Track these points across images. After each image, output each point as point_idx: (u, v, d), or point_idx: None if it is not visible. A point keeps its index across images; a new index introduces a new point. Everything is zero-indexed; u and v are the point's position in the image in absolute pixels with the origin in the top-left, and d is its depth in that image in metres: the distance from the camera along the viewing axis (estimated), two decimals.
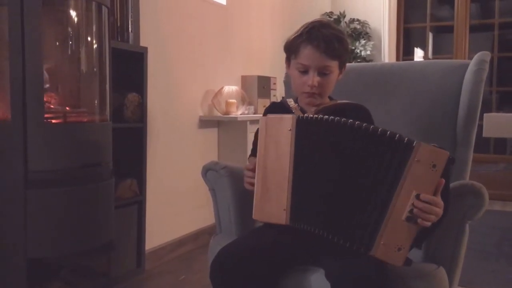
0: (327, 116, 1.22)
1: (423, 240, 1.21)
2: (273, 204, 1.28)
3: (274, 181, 1.28)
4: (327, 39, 1.33)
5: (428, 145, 1.11)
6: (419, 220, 1.11)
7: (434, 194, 1.11)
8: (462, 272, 1.39)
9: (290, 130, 1.25)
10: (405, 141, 1.12)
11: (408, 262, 1.15)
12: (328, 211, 1.21)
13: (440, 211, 1.12)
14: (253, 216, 1.32)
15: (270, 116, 1.30)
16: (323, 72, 1.36)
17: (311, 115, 1.27)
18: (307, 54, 1.35)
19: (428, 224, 1.11)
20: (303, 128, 1.25)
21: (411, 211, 1.11)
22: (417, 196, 1.10)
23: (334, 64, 1.37)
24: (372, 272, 1.13)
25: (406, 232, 1.12)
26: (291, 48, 1.40)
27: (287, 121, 1.26)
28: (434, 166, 1.09)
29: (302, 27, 1.39)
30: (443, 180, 1.12)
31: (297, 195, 1.25)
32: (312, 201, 1.24)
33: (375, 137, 1.14)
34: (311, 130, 1.24)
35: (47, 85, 1.67)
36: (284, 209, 1.26)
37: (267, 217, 1.30)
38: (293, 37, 1.39)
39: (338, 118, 1.20)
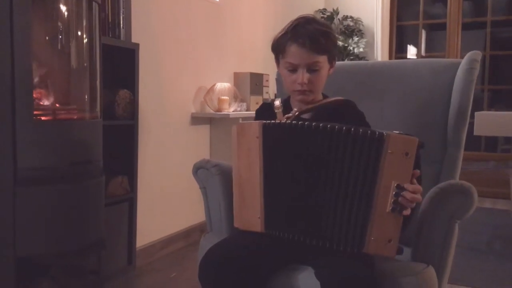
0: (290, 121, 1.24)
1: (407, 225, 1.22)
2: (250, 212, 1.30)
3: (249, 190, 1.29)
4: (312, 35, 1.31)
5: (398, 135, 1.13)
6: (404, 210, 1.13)
7: (410, 180, 1.13)
8: (452, 270, 1.40)
9: (257, 137, 1.26)
10: (376, 136, 1.13)
11: (400, 251, 1.16)
12: (305, 217, 1.22)
13: (420, 197, 1.15)
14: (234, 224, 1.35)
15: (240, 123, 1.32)
16: (312, 69, 1.34)
17: (276, 121, 1.28)
18: (293, 52, 1.34)
19: (409, 211, 1.14)
20: (269, 134, 1.25)
21: (395, 202, 1.13)
22: (398, 186, 1.12)
23: (322, 59, 1.35)
24: (361, 270, 1.14)
25: (393, 223, 1.14)
26: (278, 48, 1.39)
27: (254, 128, 1.27)
28: (406, 154, 1.12)
29: (287, 25, 1.37)
30: (418, 171, 1.14)
31: (270, 202, 1.26)
32: (286, 207, 1.25)
33: (349, 136, 1.15)
34: (277, 136, 1.25)
35: (37, 82, 1.66)
36: (259, 217, 1.28)
37: (245, 225, 1.32)
38: (278, 36, 1.38)
39: (302, 122, 1.21)
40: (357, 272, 1.12)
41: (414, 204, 1.14)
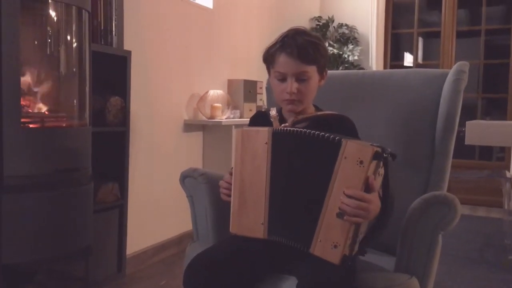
0: (299, 129, 1.25)
1: (366, 244, 1.22)
2: (251, 218, 1.29)
3: (251, 195, 1.29)
4: (300, 46, 1.33)
5: (354, 142, 1.15)
6: (345, 217, 1.13)
7: (365, 190, 1.13)
8: (443, 278, 1.40)
9: (266, 143, 1.27)
10: (335, 140, 1.16)
11: (345, 260, 1.15)
12: (298, 220, 1.23)
13: (369, 206, 1.13)
14: (230, 230, 1.33)
15: (245, 128, 1.32)
16: (301, 78, 1.36)
17: (286, 128, 1.29)
18: (282, 61, 1.36)
19: (358, 220, 1.13)
20: (278, 141, 1.27)
21: (340, 208, 1.14)
22: (347, 193, 1.13)
23: (311, 70, 1.37)
24: (337, 279, 1.14)
25: (339, 229, 1.14)
26: (268, 58, 1.42)
27: (263, 134, 1.27)
28: (361, 162, 1.13)
29: (278, 36, 1.40)
30: (372, 177, 1.14)
31: (275, 208, 1.26)
32: (289, 213, 1.25)
33: (326, 141, 1.19)
34: (286, 142, 1.27)
35: (25, 89, 1.66)
36: (262, 223, 1.27)
37: (244, 231, 1.31)
38: (269, 47, 1.41)
39: (309, 130, 1.22)
40: (333, 280, 1.13)
41: (361, 212, 1.12)
